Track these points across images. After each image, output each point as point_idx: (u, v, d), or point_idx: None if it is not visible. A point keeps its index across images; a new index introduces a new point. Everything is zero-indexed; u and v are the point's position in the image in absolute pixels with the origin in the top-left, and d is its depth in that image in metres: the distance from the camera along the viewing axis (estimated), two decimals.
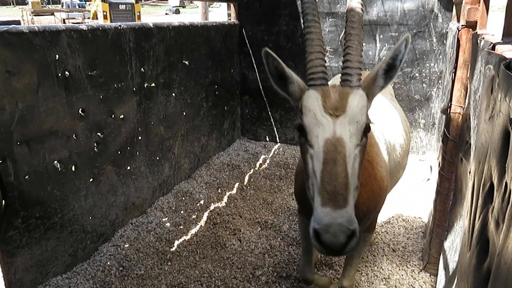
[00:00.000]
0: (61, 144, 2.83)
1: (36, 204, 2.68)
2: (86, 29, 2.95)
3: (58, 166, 2.83)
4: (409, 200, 4.07)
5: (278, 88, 1.61)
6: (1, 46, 2.35)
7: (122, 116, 3.39)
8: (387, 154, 2.16)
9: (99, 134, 3.16)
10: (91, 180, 3.13)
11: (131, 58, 3.42)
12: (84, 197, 3.07)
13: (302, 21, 1.67)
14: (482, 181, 1.06)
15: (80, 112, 2.96)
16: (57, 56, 2.71)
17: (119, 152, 3.40)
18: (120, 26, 3.28)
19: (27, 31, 2.51)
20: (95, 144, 3.13)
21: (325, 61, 1.56)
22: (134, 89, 3.50)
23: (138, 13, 19.59)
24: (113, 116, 3.29)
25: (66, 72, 2.80)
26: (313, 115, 1.43)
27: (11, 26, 2.47)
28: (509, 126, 0.86)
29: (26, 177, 2.60)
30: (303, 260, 2.38)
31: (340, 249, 1.26)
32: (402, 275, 2.96)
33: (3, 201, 2.49)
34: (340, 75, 1.58)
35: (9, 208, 2.50)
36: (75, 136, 2.93)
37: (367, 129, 1.48)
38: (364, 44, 4.92)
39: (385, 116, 2.47)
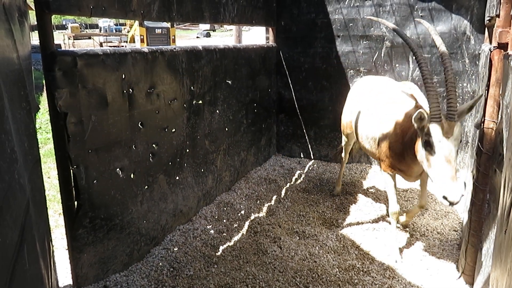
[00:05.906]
0: (123, 153, 3.15)
1: (101, 206, 3.00)
2: (147, 51, 3.32)
3: (120, 173, 3.15)
4: (444, 215, 4.17)
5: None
6: (83, 66, 2.71)
7: (173, 130, 3.71)
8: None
9: (154, 145, 3.48)
10: (146, 187, 3.44)
11: (183, 78, 3.76)
12: (140, 203, 3.37)
13: (421, 74, 2.80)
14: None
15: (139, 125, 3.29)
16: (123, 75, 3.07)
17: (170, 163, 3.71)
18: (175, 48, 3.64)
19: (101, 53, 2.87)
20: (150, 154, 3.45)
21: (440, 104, 2.68)
22: (185, 105, 3.83)
23: (173, 37, 20.44)
24: (166, 129, 3.61)
25: (130, 89, 3.15)
26: (437, 137, 2.61)
27: (88, 48, 2.84)
28: None
29: (94, 181, 2.92)
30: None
31: None
32: (439, 283, 3.09)
33: (76, 202, 2.83)
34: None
35: (80, 208, 2.83)
36: (134, 146, 3.26)
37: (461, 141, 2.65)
38: (397, 65, 5.13)
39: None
